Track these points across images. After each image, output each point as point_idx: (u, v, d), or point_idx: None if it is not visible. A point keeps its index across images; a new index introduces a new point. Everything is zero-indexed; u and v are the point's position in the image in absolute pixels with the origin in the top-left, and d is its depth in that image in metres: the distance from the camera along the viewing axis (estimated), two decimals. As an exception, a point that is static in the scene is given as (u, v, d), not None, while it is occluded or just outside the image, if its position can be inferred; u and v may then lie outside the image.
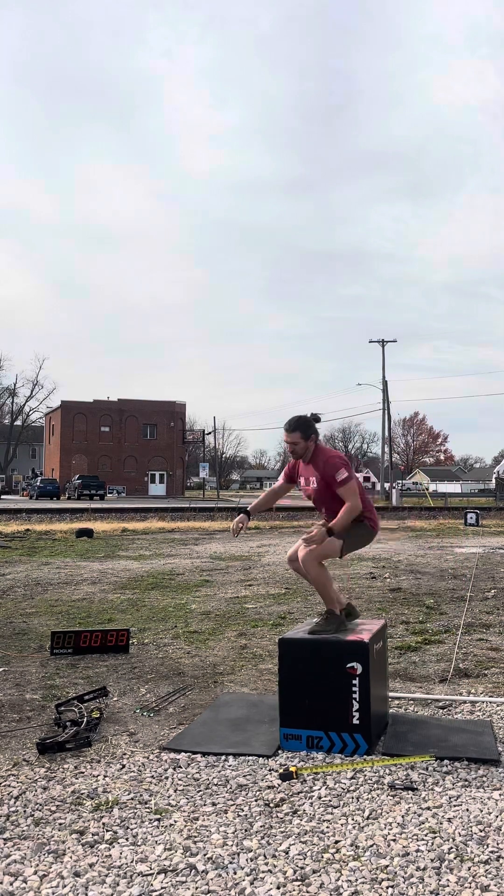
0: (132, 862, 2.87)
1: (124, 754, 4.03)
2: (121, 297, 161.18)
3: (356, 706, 3.98)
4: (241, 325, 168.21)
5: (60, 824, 3.21)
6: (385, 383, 52.38)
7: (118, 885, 2.71)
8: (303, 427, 4.47)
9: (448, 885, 2.68)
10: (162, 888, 2.68)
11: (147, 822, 3.22)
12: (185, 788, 3.59)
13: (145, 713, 4.73)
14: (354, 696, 3.98)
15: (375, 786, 3.59)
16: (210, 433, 77.06)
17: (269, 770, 3.80)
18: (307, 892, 2.65)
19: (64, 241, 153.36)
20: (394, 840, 3.04)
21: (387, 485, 52.58)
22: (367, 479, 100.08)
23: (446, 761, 3.87)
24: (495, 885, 2.68)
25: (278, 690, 4.17)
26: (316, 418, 4.57)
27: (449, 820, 3.21)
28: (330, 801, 3.43)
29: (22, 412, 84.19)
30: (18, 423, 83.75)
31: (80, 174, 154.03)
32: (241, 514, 4.71)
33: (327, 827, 3.17)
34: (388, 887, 2.67)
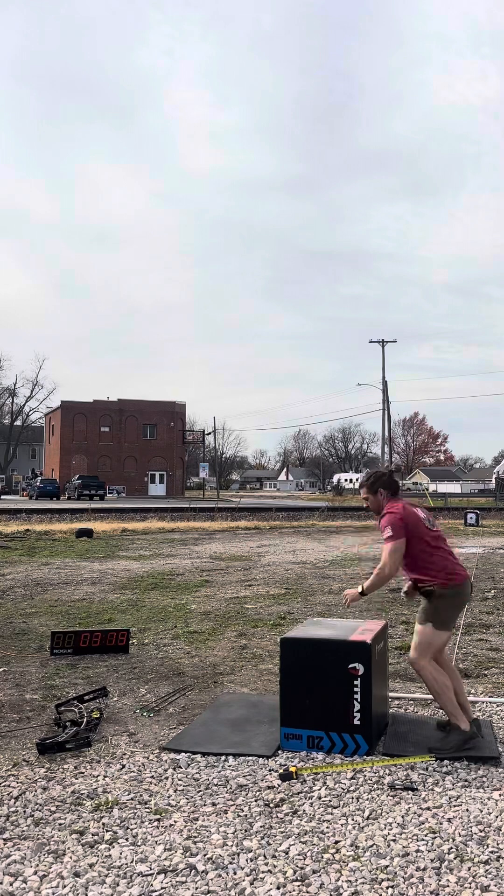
0: (132, 862, 2.87)
1: (124, 754, 4.03)
2: (121, 297, 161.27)
3: (357, 706, 3.98)
4: (241, 325, 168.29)
5: (60, 824, 3.20)
6: (385, 383, 52.40)
7: (118, 885, 2.71)
8: (369, 483, 4.33)
9: (448, 886, 2.68)
10: (162, 888, 2.68)
11: (147, 823, 3.22)
12: (185, 789, 3.59)
13: (145, 713, 4.73)
14: (356, 696, 3.98)
15: (375, 786, 3.59)
16: (210, 433, 77.09)
17: (269, 770, 3.80)
18: (307, 892, 2.65)
19: (64, 242, 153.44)
20: (394, 840, 3.04)
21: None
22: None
23: (446, 761, 3.87)
24: (495, 886, 2.68)
25: (279, 690, 4.17)
26: (396, 468, 4.45)
27: (449, 820, 3.21)
28: (330, 801, 3.43)
29: (22, 412, 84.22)
30: (18, 423, 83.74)
31: (80, 174, 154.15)
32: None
33: (327, 827, 3.16)
34: (388, 887, 2.67)
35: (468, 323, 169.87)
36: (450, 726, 4.06)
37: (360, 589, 4.24)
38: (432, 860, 2.86)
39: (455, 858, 2.88)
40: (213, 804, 3.41)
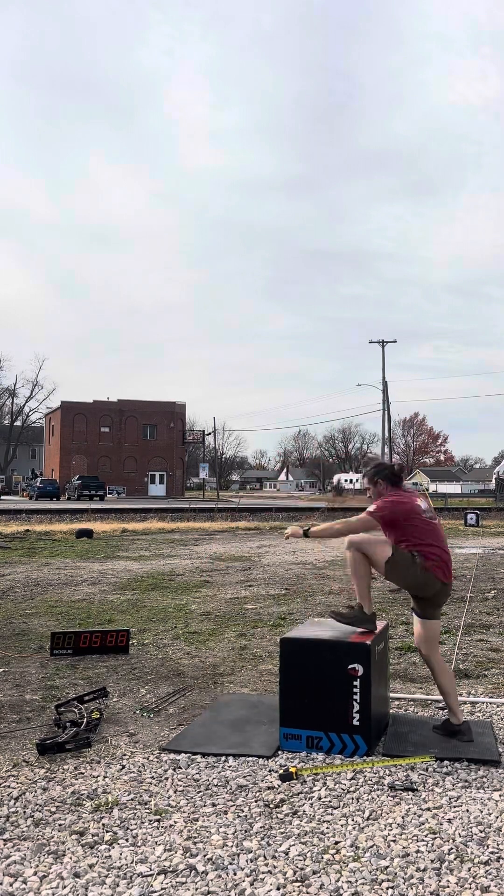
0: (132, 863, 2.87)
1: (124, 755, 4.03)
2: (121, 297, 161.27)
3: (356, 707, 3.98)
4: (241, 325, 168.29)
5: (60, 825, 3.20)
6: (385, 384, 52.39)
7: (118, 885, 2.70)
8: (369, 474, 4.47)
9: (448, 886, 2.68)
10: (162, 889, 2.68)
11: (147, 823, 3.22)
12: (185, 789, 3.59)
13: (145, 714, 4.73)
14: (355, 697, 3.98)
15: (375, 786, 3.59)
16: (210, 433, 77.07)
17: (269, 771, 3.80)
18: (307, 892, 2.65)
19: (64, 242, 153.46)
20: (394, 841, 3.04)
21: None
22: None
23: (446, 762, 3.87)
24: (495, 886, 2.68)
25: (279, 690, 4.16)
26: (400, 467, 4.51)
27: (449, 821, 3.21)
28: (330, 801, 3.42)
29: (22, 412, 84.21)
30: (18, 423, 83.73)
31: (80, 174, 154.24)
32: None
33: (327, 828, 3.16)
34: (388, 888, 2.67)
35: (468, 323, 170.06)
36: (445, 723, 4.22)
37: (305, 528, 4.35)
38: (432, 861, 2.86)
39: (455, 859, 2.88)
40: (213, 805, 3.41)
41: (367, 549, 4.25)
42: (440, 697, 4.98)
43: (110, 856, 2.93)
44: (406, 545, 4.18)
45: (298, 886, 2.69)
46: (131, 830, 3.15)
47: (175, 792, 3.55)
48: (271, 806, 3.38)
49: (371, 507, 4.24)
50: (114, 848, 2.99)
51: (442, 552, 4.20)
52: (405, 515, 4.18)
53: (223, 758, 3.98)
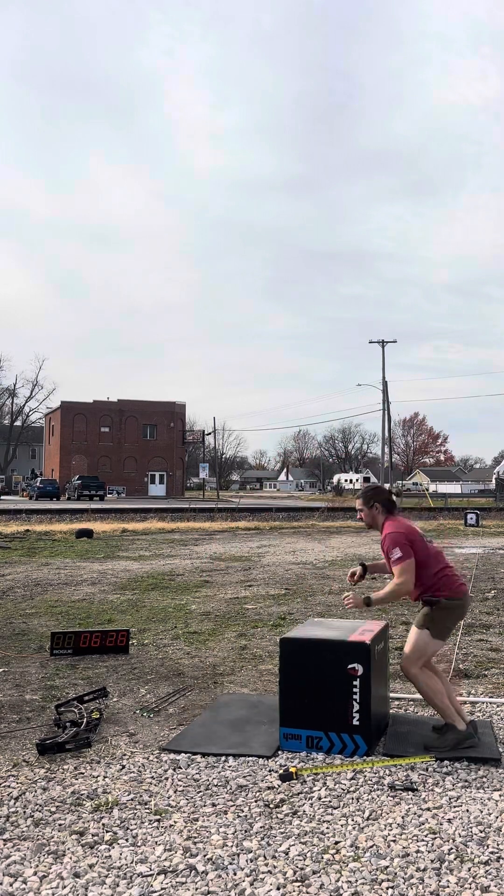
0: (132, 863, 2.87)
1: (124, 755, 4.03)
2: (121, 297, 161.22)
3: (356, 707, 3.98)
4: (241, 325, 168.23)
5: (60, 825, 3.20)
6: (385, 384, 52.35)
7: (118, 885, 2.70)
8: (365, 496, 4.35)
9: (448, 886, 2.68)
10: (162, 889, 2.68)
11: (147, 823, 3.22)
12: (184, 789, 3.59)
13: (145, 714, 4.73)
14: (355, 697, 3.98)
15: (375, 786, 3.59)
16: (210, 433, 77.06)
17: (269, 771, 3.80)
18: (307, 892, 2.65)
19: (64, 241, 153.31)
20: (394, 841, 3.04)
21: (387, 485, 52.60)
22: (366, 479, 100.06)
23: (446, 762, 3.87)
24: (495, 886, 2.68)
25: (279, 690, 4.16)
26: (396, 493, 4.46)
27: (449, 821, 3.21)
28: (330, 801, 3.42)
29: (22, 412, 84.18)
30: (18, 423, 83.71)
31: (80, 174, 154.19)
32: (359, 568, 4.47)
33: (327, 828, 3.16)
34: (388, 888, 2.67)
35: (468, 323, 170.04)
36: (446, 727, 4.07)
37: (367, 597, 4.16)
38: (432, 861, 2.86)
39: (455, 859, 2.88)
40: (213, 805, 3.41)
41: (426, 657, 4.09)
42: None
43: (110, 856, 2.93)
44: (426, 589, 4.11)
45: (298, 886, 2.69)
46: (131, 830, 3.15)
47: (175, 792, 3.55)
48: (271, 806, 3.38)
49: (395, 555, 4.05)
50: (114, 848, 2.99)
51: (452, 569, 4.19)
52: (417, 545, 4.12)
53: (223, 758, 3.98)
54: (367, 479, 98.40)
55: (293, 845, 3.00)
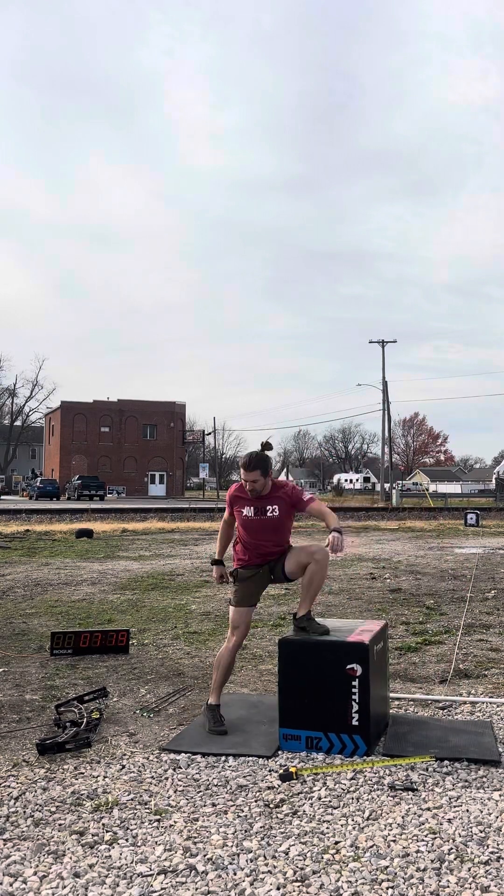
0: (132, 863, 2.87)
1: (124, 755, 4.03)
2: (121, 297, 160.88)
3: (355, 707, 3.98)
4: (241, 325, 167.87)
5: (60, 825, 3.20)
6: (385, 384, 52.37)
7: (118, 885, 2.71)
8: (262, 465, 4.38)
9: (448, 886, 2.68)
10: (162, 889, 2.68)
11: (147, 823, 3.22)
12: (184, 789, 3.59)
13: (145, 714, 4.73)
14: (354, 697, 3.98)
15: (375, 786, 3.59)
16: (210, 433, 77.08)
17: (269, 771, 3.80)
18: (307, 892, 2.65)
19: (64, 241, 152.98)
20: (394, 841, 3.04)
21: (387, 485, 52.62)
22: (367, 479, 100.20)
23: (446, 762, 3.87)
24: (495, 886, 2.68)
25: (278, 690, 4.17)
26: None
27: (449, 821, 3.21)
28: (330, 801, 3.42)
29: (22, 412, 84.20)
30: (18, 423, 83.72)
31: (80, 174, 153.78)
32: (217, 567, 4.76)
33: (327, 828, 3.16)
34: (388, 888, 2.67)
35: (468, 323, 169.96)
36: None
37: (332, 529, 4.39)
38: (432, 861, 2.86)
39: (455, 859, 2.88)
40: (213, 805, 3.41)
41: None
42: (440, 697, 4.98)
43: (110, 856, 2.93)
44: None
45: (298, 886, 2.69)
46: (131, 830, 3.15)
47: (175, 792, 3.56)
48: (271, 806, 3.38)
49: (307, 495, 4.52)
50: (114, 848, 2.99)
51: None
52: None
53: (223, 758, 3.98)
54: (367, 479, 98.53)
55: (293, 845, 3.00)
